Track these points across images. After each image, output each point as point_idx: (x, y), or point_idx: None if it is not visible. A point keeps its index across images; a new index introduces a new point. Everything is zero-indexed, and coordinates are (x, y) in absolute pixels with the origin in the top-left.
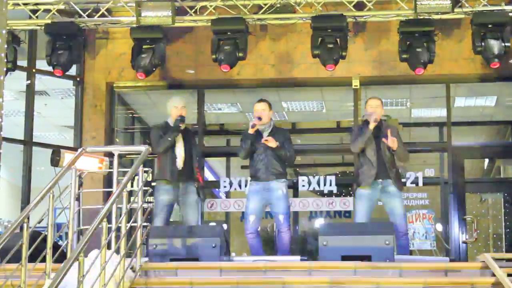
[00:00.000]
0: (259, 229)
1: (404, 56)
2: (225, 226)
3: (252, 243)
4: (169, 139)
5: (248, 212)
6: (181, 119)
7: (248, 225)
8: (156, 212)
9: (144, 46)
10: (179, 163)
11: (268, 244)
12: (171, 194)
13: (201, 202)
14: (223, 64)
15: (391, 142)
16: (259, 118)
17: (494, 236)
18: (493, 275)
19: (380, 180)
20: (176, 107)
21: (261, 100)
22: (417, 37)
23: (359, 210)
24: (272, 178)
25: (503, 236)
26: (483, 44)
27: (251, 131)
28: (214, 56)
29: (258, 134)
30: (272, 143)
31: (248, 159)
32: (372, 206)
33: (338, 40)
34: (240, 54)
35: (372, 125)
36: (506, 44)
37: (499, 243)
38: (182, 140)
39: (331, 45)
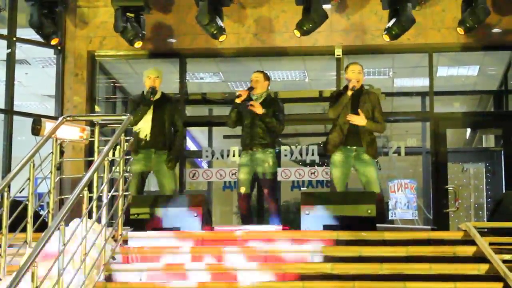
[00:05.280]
0: (250, 201)
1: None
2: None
3: (244, 213)
4: (140, 113)
5: (239, 183)
6: (152, 91)
7: (240, 196)
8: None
9: (127, 14)
10: (142, 135)
11: (255, 213)
12: (141, 164)
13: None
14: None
15: (357, 120)
16: (250, 88)
17: (476, 206)
18: (475, 244)
19: (354, 147)
20: (149, 77)
21: (257, 71)
22: (400, 3)
23: (336, 177)
24: (258, 148)
25: (485, 206)
26: (467, 12)
27: (237, 100)
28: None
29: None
30: (258, 109)
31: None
32: (347, 173)
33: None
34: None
35: (349, 92)
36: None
37: (480, 213)
38: (152, 111)
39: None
